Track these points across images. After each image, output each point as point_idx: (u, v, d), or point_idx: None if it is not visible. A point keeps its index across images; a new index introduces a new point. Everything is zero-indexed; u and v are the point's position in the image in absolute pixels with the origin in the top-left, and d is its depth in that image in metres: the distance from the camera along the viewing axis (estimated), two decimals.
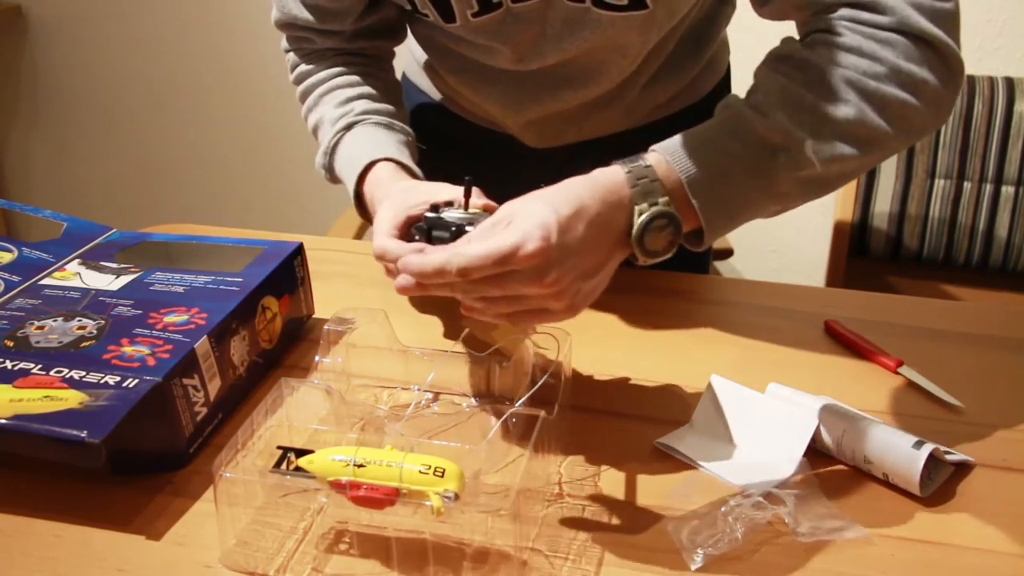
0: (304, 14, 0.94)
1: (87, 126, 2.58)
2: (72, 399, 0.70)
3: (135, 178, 2.62)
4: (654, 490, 0.72)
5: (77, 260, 0.92)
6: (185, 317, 0.80)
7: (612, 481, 0.73)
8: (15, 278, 0.88)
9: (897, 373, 0.86)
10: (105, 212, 2.61)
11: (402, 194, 0.80)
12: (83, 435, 0.66)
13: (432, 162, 0.96)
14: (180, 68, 2.42)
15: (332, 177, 0.96)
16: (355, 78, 0.97)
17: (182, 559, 0.66)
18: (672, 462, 0.75)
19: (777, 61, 0.76)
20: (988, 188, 1.61)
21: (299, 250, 0.93)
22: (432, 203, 0.75)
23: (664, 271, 1.05)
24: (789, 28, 0.80)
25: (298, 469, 0.65)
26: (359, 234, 1.59)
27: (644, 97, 1.00)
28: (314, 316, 0.96)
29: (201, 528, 0.69)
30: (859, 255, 1.69)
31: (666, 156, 0.71)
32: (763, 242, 2.22)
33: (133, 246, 0.96)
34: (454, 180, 0.79)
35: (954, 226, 1.64)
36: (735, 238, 1.77)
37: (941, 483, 0.72)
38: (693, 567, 0.64)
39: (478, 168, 0.81)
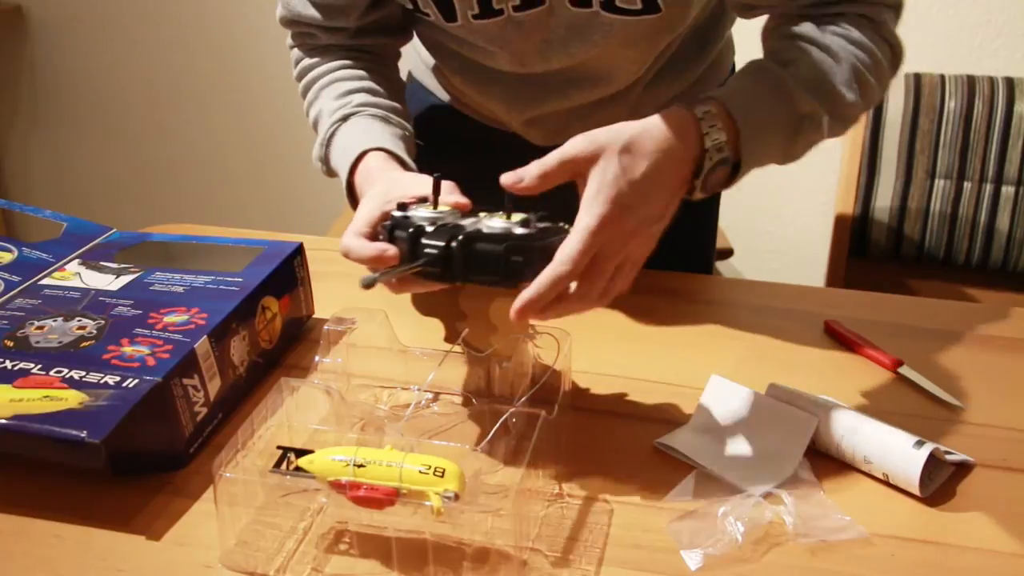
0: (309, 11, 0.95)
1: (87, 126, 2.58)
2: (72, 399, 0.70)
3: (135, 178, 2.62)
4: (654, 490, 0.72)
5: (77, 260, 0.92)
6: (185, 317, 0.80)
7: (612, 481, 0.73)
8: (15, 278, 0.88)
9: (897, 373, 0.86)
10: (105, 212, 2.61)
11: (384, 186, 0.79)
12: (83, 435, 0.66)
13: (437, 160, 0.96)
14: (180, 68, 2.42)
15: (328, 170, 0.95)
16: (356, 72, 0.96)
17: (182, 559, 0.66)
18: (672, 462, 0.75)
19: (803, 41, 0.82)
20: (988, 188, 1.61)
21: (299, 250, 0.93)
22: (400, 201, 0.73)
23: (664, 271, 1.05)
24: None
25: (298, 469, 0.65)
26: None
27: (648, 96, 1.00)
28: (314, 316, 0.96)
29: (201, 528, 0.69)
30: (859, 255, 1.69)
31: (728, 107, 0.76)
32: (763, 242, 2.22)
33: (133, 246, 0.96)
34: (458, 179, 0.78)
35: (954, 226, 1.64)
36: (735, 238, 1.77)
37: (941, 483, 0.72)
38: (693, 567, 0.64)
39: (484, 166, 0.80)
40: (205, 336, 0.77)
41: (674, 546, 0.66)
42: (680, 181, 0.74)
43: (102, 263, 0.91)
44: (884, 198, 1.64)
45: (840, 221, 1.67)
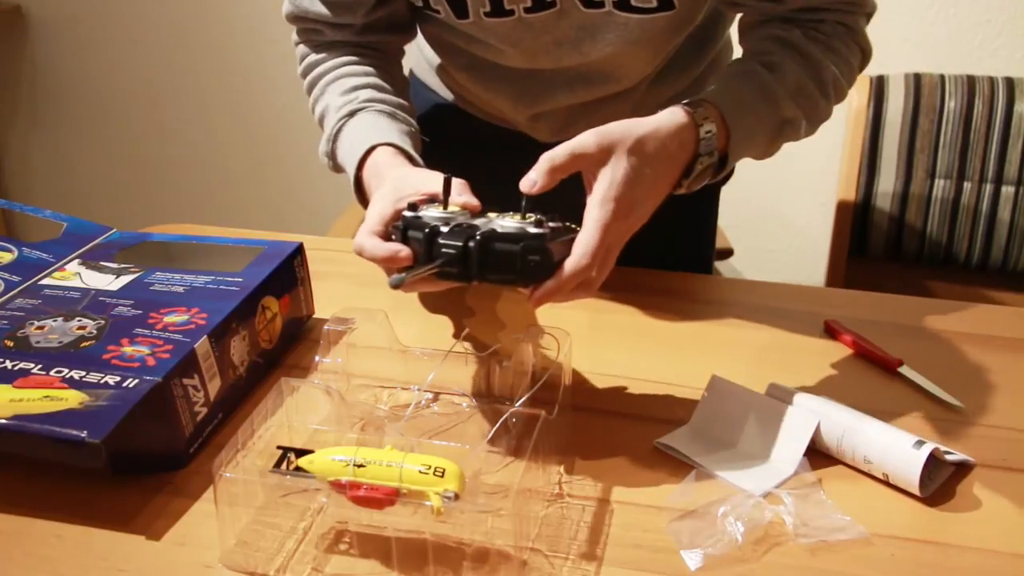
0: (316, 7, 0.95)
1: (87, 126, 2.58)
2: (72, 399, 0.70)
3: (135, 178, 2.62)
4: (654, 490, 0.72)
5: (77, 260, 0.92)
6: (185, 317, 0.80)
7: (612, 481, 0.73)
8: (15, 278, 0.88)
9: (897, 373, 0.86)
10: (105, 212, 2.61)
11: (394, 183, 0.79)
12: (83, 435, 0.66)
13: (441, 159, 0.96)
14: (180, 68, 2.42)
15: (335, 166, 0.95)
16: (362, 68, 0.97)
17: (182, 559, 0.66)
18: (672, 462, 0.75)
19: (787, 47, 0.86)
20: (988, 188, 1.61)
21: (299, 250, 0.93)
22: (411, 202, 0.74)
23: (664, 271, 1.05)
24: None
25: (298, 469, 0.65)
26: None
27: (651, 93, 1.01)
28: (314, 316, 0.96)
29: (201, 528, 0.69)
30: (859, 255, 1.69)
31: (721, 110, 0.80)
32: (763, 242, 2.22)
33: (133, 246, 0.96)
34: (463, 176, 0.78)
35: (954, 226, 1.64)
36: (735, 238, 1.77)
37: (941, 483, 0.72)
38: (693, 567, 0.64)
39: (488, 163, 0.81)
40: (205, 336, 0.77)
41: (674, 546, 0.66)
42: (673, 181, 0.78)
43: (102, 263, 0.91)
44: (884, 198, 1.64)
45: (840, 221, 1.67)
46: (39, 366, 0.74)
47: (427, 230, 0.69)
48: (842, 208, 1.66)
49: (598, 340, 0.91)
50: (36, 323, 0.80)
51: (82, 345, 0.77)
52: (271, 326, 0.87)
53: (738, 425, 0.76)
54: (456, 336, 0.92)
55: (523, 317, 0.95)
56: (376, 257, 0.72)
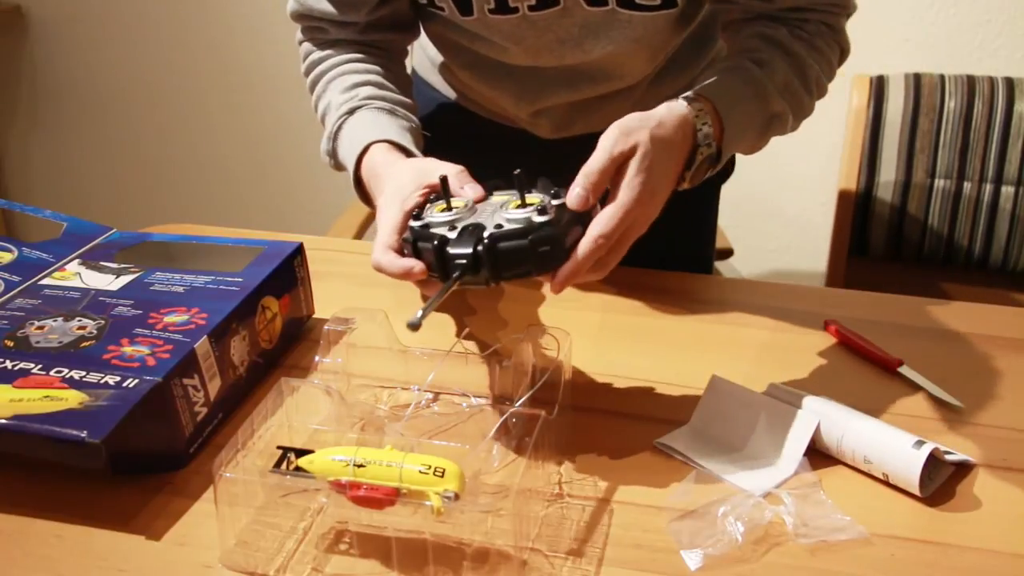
0: (321, 5, 0.95)
1: (87, 126, 2.58)
2: (72, 399, 0.70)
3: (135, 178, 2.62)
4: (654, 490, 0.72)
5: (77, 260, 0.92)
6: (185, 317, 0.80)
7: (612, 481, 0.73)
8: (15, 278, 0.88)
9: (897, 373, 0.86)
10: (105, 212, 2.61)
11: (396, 183, 0.79)
12: (83, 435, 0.66)
13: (443, 157, 0.96)
14: (180, 68, 2.42)
15: (336, 164, 0.95)
16: (364, 65, 0.97)
17: (182, 559, 0.66)
18: (672, 462, 0.75)
19: (775, 45, 0.88)
20: (988, 188, 1.61)
21: (299, 250, 0.93)
22: (415, 203, 0.74)
23: (664, 271, 1.05)
24: None
25: (298, 469, 0.65)
26: (359, 234, 1.59)
27: (652, 91, 1.02)
28: (314, 316, 0.96)
29: (201, 528, 0.69)
30: (859, 255, 1.69)
31: (716, 105, 0.82)
32: (763, 242, 2.22)
33: (133, 246, 0.96)
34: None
35: (954, 226, 1.64)
36: (735, 238, 1.77)
37: (941, 483, 0.72)
38: (693, 567, 0.64)
39: (490, 161, 0.81)
40: (205, 336, 0.77)
41: (674, 546, 0.66)
42: (679, 171, 0.80)
43: (102, 263, 0.91)
44: (884, 198, 1.64)
45: (840, 221, 1.66)
46: (39, 366, 0.74)
47: (436, 242, 0.69)
48: (842, 208, 1.66)
49: (598, 340, 0.91)
50: (36, 323, 0.80)
51: (82, 345, 0.77)
52: (271, 326, 0.87)
53: (738, 425, 0.76)
54: (457, 335, 0.92)
55: (524, 316, 0.95)
56: (393, 275, 0.72)
